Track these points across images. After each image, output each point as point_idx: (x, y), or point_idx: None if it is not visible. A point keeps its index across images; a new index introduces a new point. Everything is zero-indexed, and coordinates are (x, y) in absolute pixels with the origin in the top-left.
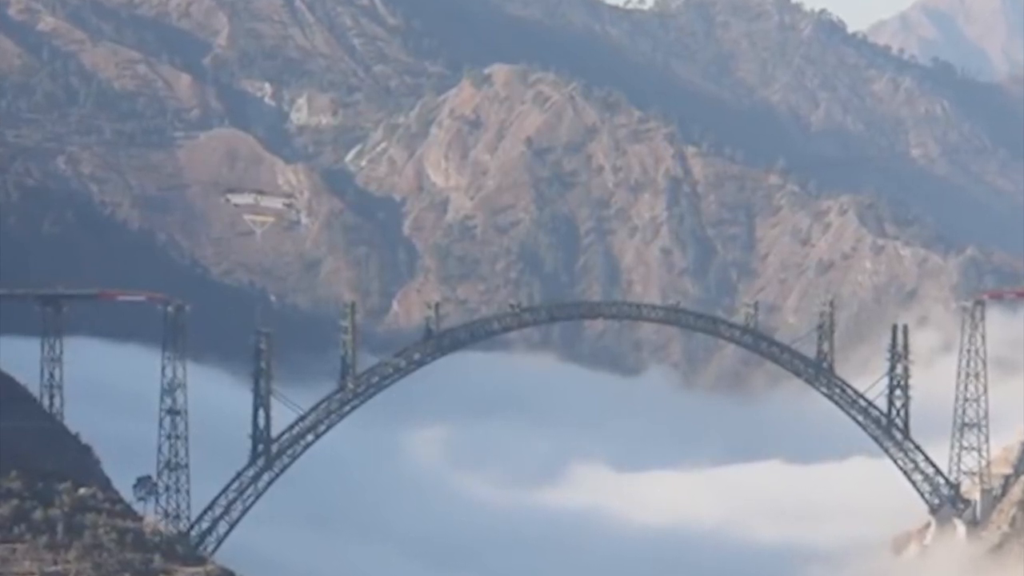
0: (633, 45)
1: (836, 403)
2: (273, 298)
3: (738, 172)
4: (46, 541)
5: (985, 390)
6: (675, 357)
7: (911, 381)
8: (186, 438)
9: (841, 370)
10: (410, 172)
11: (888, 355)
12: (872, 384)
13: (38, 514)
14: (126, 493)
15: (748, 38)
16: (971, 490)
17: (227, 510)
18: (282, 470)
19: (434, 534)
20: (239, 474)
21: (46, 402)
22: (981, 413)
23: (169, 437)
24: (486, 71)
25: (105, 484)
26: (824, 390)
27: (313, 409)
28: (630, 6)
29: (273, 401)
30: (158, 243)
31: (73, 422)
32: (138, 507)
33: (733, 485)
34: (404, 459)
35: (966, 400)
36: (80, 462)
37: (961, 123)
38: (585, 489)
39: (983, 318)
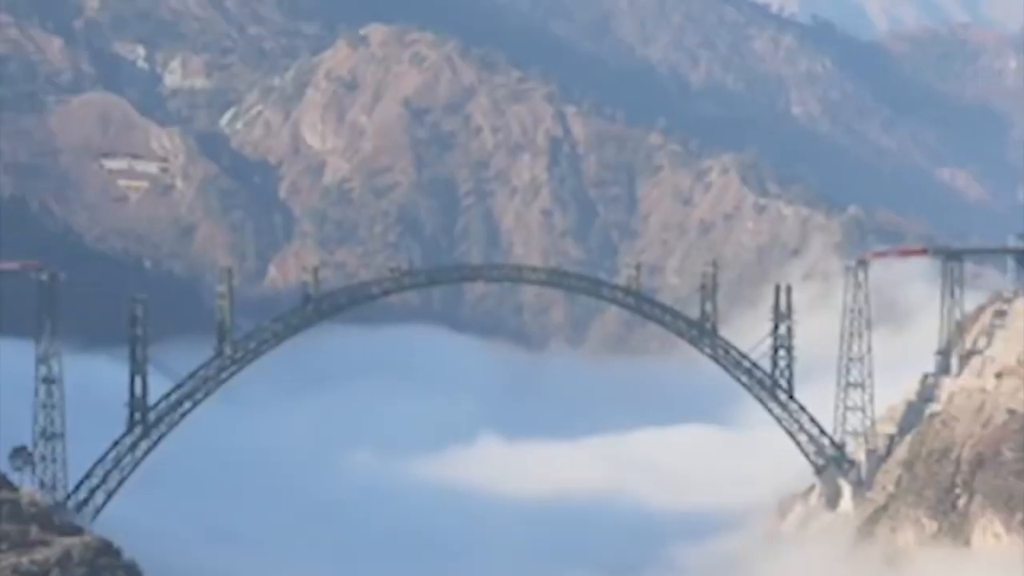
0: (512, 4)
1: (720, 364)
2: (148, 264)
3: (619, 132)
4: None
5: (869, 350)
6: (558, 320)
7: (795, 341)
8: (62, 407)
9: (725, 331)
10: (286, 135)
11: (771, 315)
12: (756, 344)
13: None
14: (2, 464)
15: None
16: (856, 451)
17: (104, 479)
18: (159, 438)
19: (319, 499)
20: (116, 443)
21: None
22: (865, 373)
23: (44, 406)
24: (362, 32)
25: None
26: (708, 351)
27: (191, 376)
28: None
29: (150, 368)
30: (31, 210)
31: None
32: (14, 478)
33: (620, 451)
34: (284, 424)
35: (850, 360)
36: None
37: (843, 82)
38: (471, 458)
39: (866, 277)
